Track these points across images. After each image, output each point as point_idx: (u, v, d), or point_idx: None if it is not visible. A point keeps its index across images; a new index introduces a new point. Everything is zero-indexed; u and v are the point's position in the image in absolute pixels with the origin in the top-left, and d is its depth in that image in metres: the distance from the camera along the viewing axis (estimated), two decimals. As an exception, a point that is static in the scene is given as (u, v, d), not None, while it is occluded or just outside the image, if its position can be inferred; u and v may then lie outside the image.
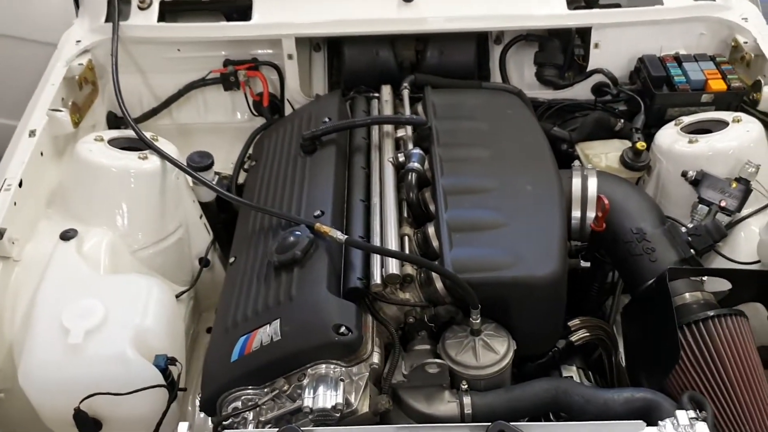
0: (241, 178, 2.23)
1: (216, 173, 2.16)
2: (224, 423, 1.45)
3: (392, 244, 1.66)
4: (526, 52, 2.45)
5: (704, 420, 1.30)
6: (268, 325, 1.52)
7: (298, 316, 1.51)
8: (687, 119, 2.05)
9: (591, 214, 1.78)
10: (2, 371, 1.68)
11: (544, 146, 1.91)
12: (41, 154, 2.03)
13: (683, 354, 1.49)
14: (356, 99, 2.24)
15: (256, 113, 2.45)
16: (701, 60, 2.21)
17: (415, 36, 2.35)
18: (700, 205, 1.88)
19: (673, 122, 2.08)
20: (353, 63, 2.35)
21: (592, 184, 1.80)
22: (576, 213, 1.79)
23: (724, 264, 1.81)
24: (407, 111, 2.12)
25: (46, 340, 1.61)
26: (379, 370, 1.50)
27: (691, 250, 1.69)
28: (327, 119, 2.05)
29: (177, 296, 2.00)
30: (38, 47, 2.74)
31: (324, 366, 1.45)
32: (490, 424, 1.31)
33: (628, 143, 2.12)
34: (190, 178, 2.05)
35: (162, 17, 2.35)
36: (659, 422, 1.31)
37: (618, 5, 2.35)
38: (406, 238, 1.71)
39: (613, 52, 2.32)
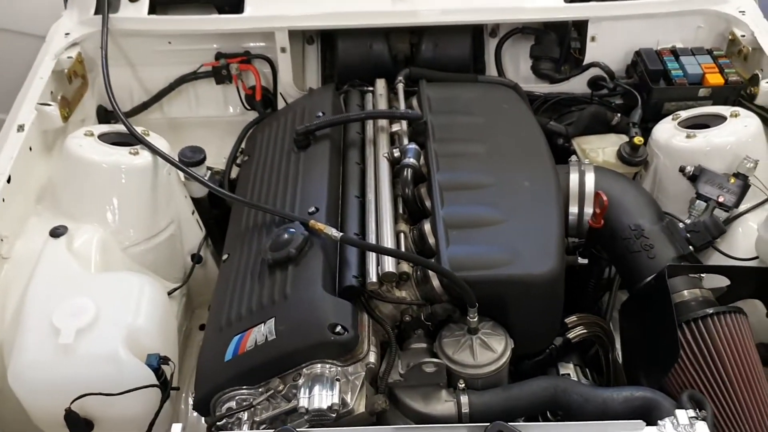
0: (234, 173, 2.20)
1: (208, 168, 2.13)
2: (218, 423, 1.43)
3: (388, 241, 1.64)
4: (522, 46, 2.42)
5: (704, 419, 1.29)
6: (262, 324, 1.50)
7: (293, 315, 1.49)
8: (684, 114, 2.04)
9: (588, 210, 1.76)
10: (-9, 371, 1.66)
11: (541, 141, 1.89)
12: (30, 149, 2.00)
13: (682, 352, 1.48)
14: (350, 93, 2.21)
15: (248, 107, 2.42)
16: (698, 54, 2.20)
17: (410, 29, 2.32)
18: (697, 201, 1.87)
19: (670, 117, 2.06)
20: (347, 56, 2.32)
21: (590, 179, 1.78)
22: (573, 209, 1.78)
23: (721, 260, 1.79)
24: (402, 105, 2.10)
25: (37, 340, 1.58)
26: (375, 370, 1.48)
27: (690, 247, 1.67)
28: (321, 113, 2.02)
29: (169, 293, 1.98)
30: (26, 39, 2.70)
31: (319, 365, 1.43)
32: (488, 424, 1.29)
33: (625, 138, 2.10)
34: (182, 174, 2.02)
35: (152, 9, 2.31)
36: (659, 422, 1.30)
37: (614, -2, 2.33)
38: (402, 235, 1.68)
39: (610, 45, 2.30)
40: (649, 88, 2.15)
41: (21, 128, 1.99)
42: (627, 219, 1.72)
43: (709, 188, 1.86)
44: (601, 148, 2.09)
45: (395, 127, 1.98)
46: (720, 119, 1.97)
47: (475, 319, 1.51)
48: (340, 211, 1.76)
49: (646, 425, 1.29)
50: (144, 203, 1.96)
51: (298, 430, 1.30)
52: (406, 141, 1.91)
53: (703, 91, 2.12)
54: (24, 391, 1.57)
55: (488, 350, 1.51)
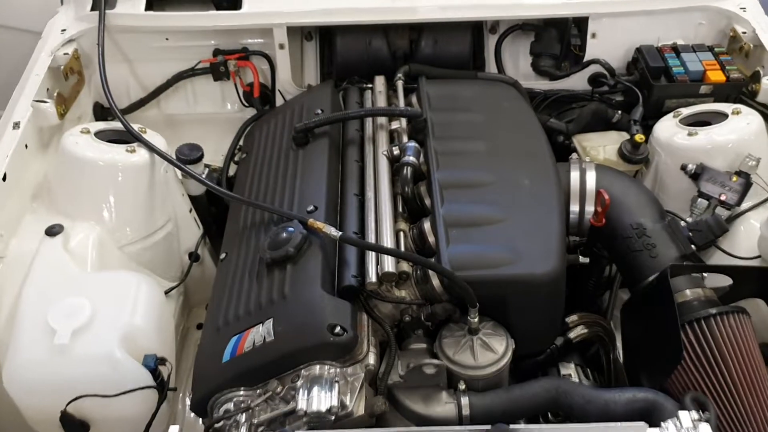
0: (232, 170, 2.18)
1: (206, 166, 2.12)
2: (216, 426, 1.41)
3: (387, 240, 1.62)
4: (522, 42, 2.41)
5: (707, 421, 1.28)
6: (260, 325, 1.48)
7: (292, 316, 1.48)
8: (686, 111, 2.02)
9: (590, 208, 1.74)
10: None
11: (542, 139, 1.88)
12: (26, 146, 1.98)
13: (685, 353, 1.46)
14: (349, 90, 2.19)
15: (246, 104, 2.40)
16: (699, 50, 2.18)
17: (409, 25, 2.30)
18: (699, 199, 1.86)
19: (671, 114, 2.04)
20: (345, 53, 2.30)
21: (591, 177, 1.77)
22: (574, 207, 1.76)
23: (723, 259, 1.78)
24: (401, 102, 2.08)
25: (32, 340, 1.56)
26: (374, 371, 1.46)
27: (692, 246, 1.66)
28: (319, 111, 2.00)
29: (166, 292, 1.97)
30: (22, 35, 2.68)
31: (318, 367, 1.41)
32: (489, 426, 1.28)
33: (625, 135, 2.09)
34: (179, 171, 2.00)
35: (149, 5, 2.29)
36: (661, 424, 1.29)
37: (615, -6, 2.31)
38: (402, 233, 1.67)
39: (611, 42, 2.28)
40: (649, 85, 2.14)
41: (17, 125, 1.97)
42: (628, 218, 1.71)
43: (711, 186, 1.84)
44: (602, 146, 2.08)
45: (395, 125, 1.96)
46: (721, 117, 1.96)
47: (476, 320, 1.49)
48: (339, 210, 1.74)
49: (649, 427, 1.28)
50: (141, 201, 1.94)
51: (296, 432, 1.29)
52: (405, 139, 1.89)
53: (705, 88, 2.11)
54: (19, 392, 1.55)
55: (489, 351, 1.50)
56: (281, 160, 1.91)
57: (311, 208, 1.69)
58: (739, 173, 1.85)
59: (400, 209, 1.74)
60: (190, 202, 2.11)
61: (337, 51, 2.31)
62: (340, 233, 1.56)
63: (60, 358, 1.53)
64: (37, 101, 2.04)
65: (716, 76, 2.10)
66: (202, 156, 2.04)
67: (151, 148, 1.93)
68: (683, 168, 1.90)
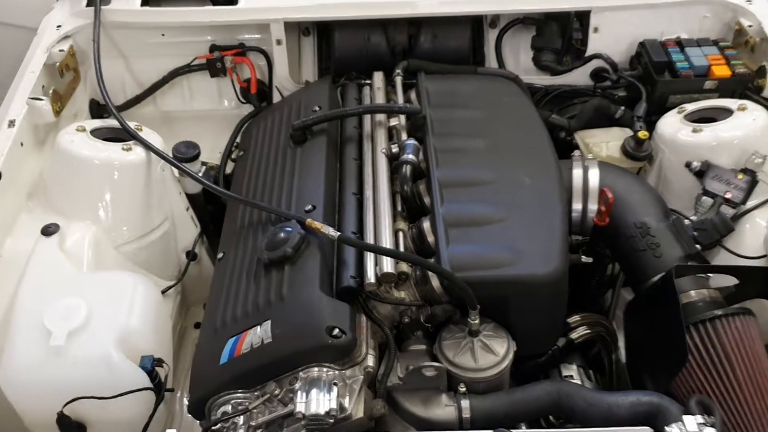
0: (229, 168, 2.16)
1: (203, 163, 2.09)
2: (213, 428, 1.40)
3: (386, 240, 1.60)
4: (523, 36, 2.37)
5: (712, 425, 1.26)
6: (258, 327, 1.46)
7: (290, 318, 1.46)
8: (690, 107, 1.99)
9: (592, 207, 1.72)
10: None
11: (543, 135, 1.85)
12: (21, 144, 1.96)
13: (689, 355, 1.44)
14: (347, 86, 2.16)
15: (243, 100, 2.37)
16: (704, 45, 2.14)
17: (408, 20, 2.27)
18: (704, 197, 1.82)
19: (675, 110, 2.01)
20: (343, 48, 2.28)
21: (594, 175, 1.75)
22: (577, 206, 1.74)
23: (728, 258, 1.75)
24: (400, 98, 2.05)
25: (27, 342, 1.55)
26: (373, 373, 1.44)
27: (697, 246, 1.63)
28: (317, 108, 1.98)
29: (164, 291, 1.95)
30: (17, 31, 2.65)
31: (317, 369, 1.39)
32: (491, 431, 1.26)
33: (628, 131, 2.06)
34: (175, 170, 1.98)
35: (145, 1, 2.26)
36: (666, 428, 1.27)
37: (618, -12, 2.27)
38: (401, 233, 1.65)
39: (613, 36, 2.25)
40: (653, 81, 2.10)
41: (12, 123, 1.95)
42: (632, 217, 1.68)
43: (716, 184, 1.81)
44: (605, 143, 2.05)
45: (393, 122, 1.93)
46: (727, 113, 1.92)
47: (477, 321, 1.47)
48: (338, 209, 1.72)
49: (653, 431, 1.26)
50: (137, 200, 1.92)
51: (294, 436, 1.27)
52: (404, 136, 1.87)
53: (709, 84, 2.07)
54: (15, 394, 1.54)
55: (490, 353, 1.48)
56: (279, 158, 1.89)
57: (309, 207, 1.67)
58: (744, 171, 1.81)
59: (399, 208, 1.72)
60: (187, 201, 2.08)
61: (335, 46, 2.28)
62: (339, 234, 1.54)
63: (56, 359, 1.52)
64: (32, 99, 2.02)
65: (721, 71, 2.06)
66: (198, 154, 2.02)
67: (147, 146, 1.91)
68: (687, 165, 1.87)
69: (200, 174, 2.03)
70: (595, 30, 2.25)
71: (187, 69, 2.33)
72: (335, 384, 1.37)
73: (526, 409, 1.45)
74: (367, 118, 1.97)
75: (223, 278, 1.66)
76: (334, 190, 1.76)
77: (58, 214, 1.86)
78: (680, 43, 2.17)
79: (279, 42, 2.24)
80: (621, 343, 1.82)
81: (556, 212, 1.62)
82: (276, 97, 2.34)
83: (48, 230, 1.79)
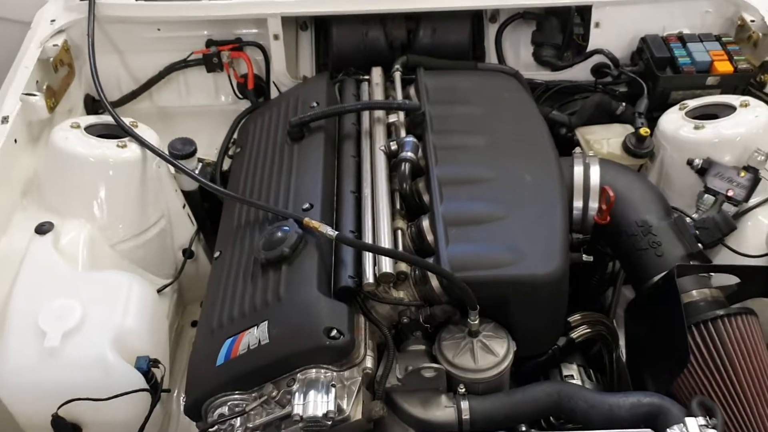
0: (226, 164, 2.14)
1: (199, 160, 2.07)
2: (210, 430, 1.38)
3: (385, 239, 1.58)
4: (523, 31, 2.35)
5: (714, 427, 1.25)
6: (255, 327, 1.44)
7: (287, 319, 1.44)
8: (692, 103, 1.97)
9: (593, 204, 1.70)
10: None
11: (544, 132, 1.83)
12: (15, 141, 1.93)
13: (691, 356, 1.42)
14: (345, 82, 2.14)
15: (240, 96, 2.35)
16: (706, 40, 2.12)
17: (407, 14, 2.24)
18: (705, 195, 1.80)
19: (677, 106, 1.99)
20: (341, 43, 2.25)
21: (595, 173, 1.72)
22: (578, 204, 1.72)
23: (730, 256, 1.73)
24: (399, 94, 2.03)
25: (22, 343, 1.53)
26: (372, 375, 1.43)
27: (699, 245, 1.61)
28: (315, 104, 1.95)
29: (160, 290, 1.93)
30: (10, 26, 2.62)
31: (314, 371, 1.37)
32: (490, 433, 1.25)
33: (629, 128, 2.04)
34: (171, 167, 1.95)
35: (140, -5, 2.23)
36: (667, 429, 1.26)
37: (620, -18, 2.25)
38: (399, 232, 1.63)
39: (615, 31, 2.22)
40: (655, 77, 2.08)
41: (5, 120, 1.92)
42: (633, 215, 1.66)
43: (718, 182, 1.79)
44: (606, 139, 2.02)
45: (392, 118, 1.91)
46: (729, 109, 1.90)
47: (476, 322, 1.45)
48: (336, 207, 1.70)
49: (654, 433, 1.25)
50: (133, 198, 1.90)
51: (292, 438, 1.26)
52: (403, 132, 1.85)
53: (712, 80, 2.05)
54: (9, 396, 1.53)
55: (490, 354, 1.46)
56: (276, 156, 1.86)
57: (307, 206, 1.65)
58: (747, 168, 1.79)
59: (398, 207, 1.70)
60: (183, 198, 2.06)
61: (333, 41, 2.26)
62: (337, 233, 1.51)
63: (50, 361, 1.51)
64: (26, 94, 1.99)
65: (724, 66, 2.04)
66: (195, 151, 1.99)
67: (142, 143, 1.89)
68: (689, 163, 1.85)
69: (197, 171, 2.02)
70: (597, 25, 2.23)
71: (183, 64, 2.31)
72: (333, 386, 1.35)
73: (526, 410, 1.44)
74: (365, 114, 1.95)
75: (220, 278, 1.64)
76: (331, 188, 1.74)
77: (52, 212, 1.84)
78: (682, 39, 2.15)
79: (276, 37, 2.21)
80: (622, 342, 1.81)
81: (557, 210, 1.60)
82: (273, 93, 2.31)
83: (42, 229, 1.77)
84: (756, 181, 1.78)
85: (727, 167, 1.81)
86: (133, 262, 1.92)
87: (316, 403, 1.32)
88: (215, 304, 1.57)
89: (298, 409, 1.31)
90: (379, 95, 2.04)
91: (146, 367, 1.56)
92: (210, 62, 2.29)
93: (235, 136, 2.22)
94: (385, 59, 2.18)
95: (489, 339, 1.47)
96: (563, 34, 2.29)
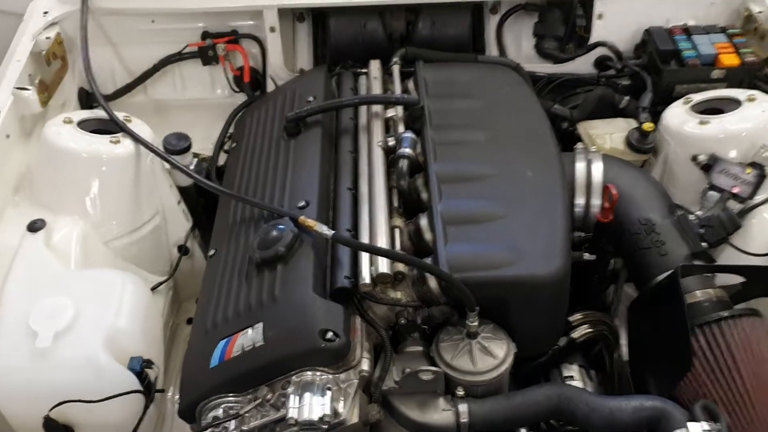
0: (222, 159, 2.10)
1: (194, 155, 2.04)
2: (204, 433, 1.36)
3: (382, 237, 1.55)
4: (525, 23, 2.30)
5: (718, 432, 1.22)
6: (250, 329, 1.42)
7: (282, 320, 1.41)
8: (697, 97, 1.92)
9: (596, 202, 1.67)
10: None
11: (545, 127, 1.79)
12: (7, 136, 1.91)
13: (695, 358, 1.39)
14: (343, 75, 2.10)
15: (236, 89, 2.31)
16: (712, 32, 2.07)
17: (406, 6, 2.20)
18: (710, 192, 1.76)
19: (681, 100, 1.94)
20: (339, 35, 2.21)
21: (597, 169, 1.69)
22: (580, 201, 1.69)
23: (733, 254, 1.69)
24: (397, 88, 1.99)
25: (12, 344, 1.51)
26: (368, 377, 1.40)
27: (703, 243, 1.58)
28: (311, 98, 1.92)
29: (155, 288, 1.91)
30: (2, 18, 2.58)
31: (310, 373, 1.35)
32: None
33: (633, 122, 2.00)
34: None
35: (135, -14, 2.20)
36: (670, 434, 1.23)
37: (623, -28, 2.20)
38: (397, 230, 1.59)
39: (618, 23, 2.18)
40: (658, 70, 2.04)
41: None
42: (637, 213, 1.63)
43: (724, 179, 1.75)
44: (609, 134, 1.98)
45: (390, 113, 1.87)
46: (735, 103, 1.86)
47: (475, 323, 1.43)
48: (332, 205, 1.67)
49: (657, 438, 1.23)
50: (126, 194, 1.87)
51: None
52: (401, 127, 1.81)
53: (717, 73, 2.01)
54: (0, 398, 1.50)
55: (489, 356, 1.43)
56: (272, 151, 1.83)
57: (303, 203, 1.62)
58: (753, 164, 1.75)
59: (396, 204, 1.66)
60: (178, 194, 2.03)
61: (331, 33, 2.22)
62: (333, 232, 1.48)
63: (42, 361, 1.48)
64: (18, 89, 1.96)
65: (729, 59, 1.99)
66: (189, 146, 1.96)
67: (136, 139, 1.86)
68: (694, 159, 1.81)
69: (192, 166, 1.99)
70: (600, 17, 2.18)
71: (178, 57, 2.27)
72: (329, 388, 1.33)
73: (526, 414, 1.41)
74: (363, 108, 1.92)
75: (215, 277, 1.61)
76: (328, 185, 1.71)
77: (44, 208, 1.81)
78: (687, 31, 2.10)
79: (273, 29, 2.18)
80: (623, 340, 1.78)
81: (558, 208, 1.57)
82: (270, 86, 2.28)
83: (34, 226, 1.74)
84: (762, 177, 1.73)
85: (733, 163, 1.77)
86: (127, 259, 1.89)
87: (312, 407, 1.29)
88: (210, 304, 1.55)
89: (293, 413, 1.29)
90: (377, 89, 2.00)
91: (139, 367, 1.54)
92: (205, 55, 2.25)
93: (231, 130, 2.18)
94: (383, 51, 2.14)
95: (488, 341, 1.45)
96: (565, 25, 2.25)
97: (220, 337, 1.45)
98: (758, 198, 1.73)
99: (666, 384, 1.45)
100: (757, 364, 1.39)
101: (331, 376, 1.35)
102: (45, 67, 2.10)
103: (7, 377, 1.50)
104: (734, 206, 1.74)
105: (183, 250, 2.04)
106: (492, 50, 2.30)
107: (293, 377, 1.35)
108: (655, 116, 1.99)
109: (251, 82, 2.26)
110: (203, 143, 2.15)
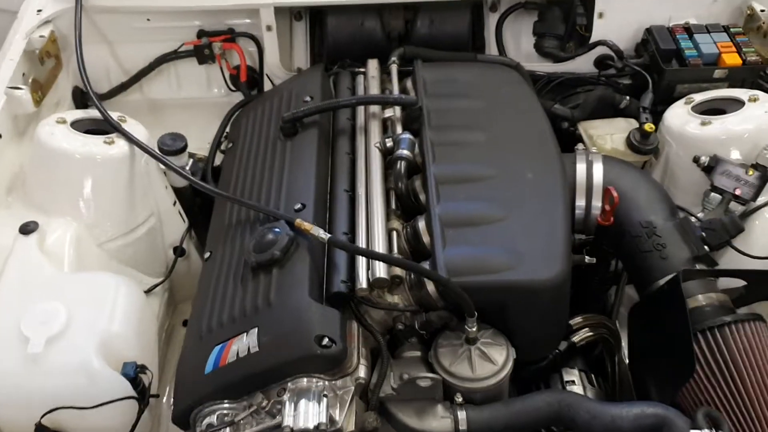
0: (218, 159, 2.08)
1: (190, 155, 2.01)
2: (199, 440, 1.34)
3: (379, 240, 1.53)
4: (525, 22, 2.28)
5: (721, 440, 1.20)
6: (245, 334, 1.39)
7: (278, 326, 1.39)
8: (698, 97, 1.90)
9: (597, 204, 1.64)
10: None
11: (545, 127, 1.77)
12: (0, 136, 1.88)
13: (697, 365, 1.37)
14: (340, 74, 2.07)
15: (233, 88, 2.29)
16: (714, 31, 2.05)
17: (404, 4, 2.18)
18: (712, 194, 1.74)
19: (683, 101, 1.92)
20: (337, 34, 2.18)
21: (598, 170, 1.66)
22: (580, 202, 1.66)
23: (735, 256, 1.67)
24: (395, 87, 1.96)
25: (4, 349, 1.48)
26: (365, 384, 1.38)
27: (705, 247, 1.56)
28: (308, 98, 1.89)
29: (150, 290, 1.89)
30: (-4, 15, 2.55)
31: (305, 380, 1.33)
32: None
33: (634, 123, 1.98)
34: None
35: (130, -16, 2.17)
36: (672, 443, 1.21)
37: (624, -30, 2.17)
38: (395, 233, 1.57)
39: (619, 21, 2.15)
40: (660, 69, 2.02)
41: None
42: (638, 215, 1.60)
43: (726, 180, 1.72)
44: (610, 135, 1.96)
45: (388, 113, 1.85)
46: (737, 104, 1.84)
47: (474, 329, 1.40)
48: (329, 207, 1.64)
49: (658, 447, 1.20)
50: (121, 195, 1.84)
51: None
52: (399, 128, 1.79)
53: (719, 73, 1.99)
54: (-9, 405, 1.48)
55: (488, 362, 1.41)
56: (268, 152, 1.81)
57: (299, 206, 1.59)
58: (755, 166, 1.72)
59: (393, 206, 1.64)
60: (173, 195, 2.00)
61: (328, 32, 2.19)
62: (329, 236, 1.46)
63: (34, 368, 1.46)
64: (11, 88, 1.94)
65: (732, 59, 1.97)
66: (185, 146, 1.94)
67: (130, 140, 1.83)
68: (695, 160, 1.79)
69: (188, 167, 1.96)
70: (600, 15, 2.16)
71: (174, 55, 2.25)
72: (325, 395, 1.31)
73: (526, 421, 1.39)
74: (360, 108, 1.89)
75: (210, 281, 1.59)
76: (325, 187, 1.68)
77: (37, 209, 1.78)
78: (689, 30, 2.08)
79: (269, 27, 2.15)
80: (624, 343, 1.76)
81: (559, 210, 1.54)
82: (267, 85, 2.26)
83: (27, 228, 1.71)
84: (765, 179, 1.71)
85: (735, 165, 1.75)
86: (121, 261, 1.87)
87: (307, 414, 1.28)
88: (204, 309, 1.52)
89: (288, 420, 1.27)
90: (375, 88, 1.98)
91: (133, 373, 1.52)
92: (201, 54, 2.23)
93: (227, 129, 2.16)
94: (381, 51, 2.12)
95: (487, 346, 1.42)
96: (566, 24, 2.23)
97: (215, 342, 1.43)
98: (761, 200, 1.71)
99: (668, 390, 1.42)
100: (760, 370, 1.36)
101: (327, 383, 1.33)
102: (39, 66, 2.07)
103: (-1, 384, 1.47)
104: (736, 208, 1.72)
105: (179, 251, 2.02)
106: (491, 49, 2.27)
107: (289, 384, 1.33)
108: (657, 116, 1.97)
109: (248, 81, 2.24)
110: (199, 143, 2.13)
